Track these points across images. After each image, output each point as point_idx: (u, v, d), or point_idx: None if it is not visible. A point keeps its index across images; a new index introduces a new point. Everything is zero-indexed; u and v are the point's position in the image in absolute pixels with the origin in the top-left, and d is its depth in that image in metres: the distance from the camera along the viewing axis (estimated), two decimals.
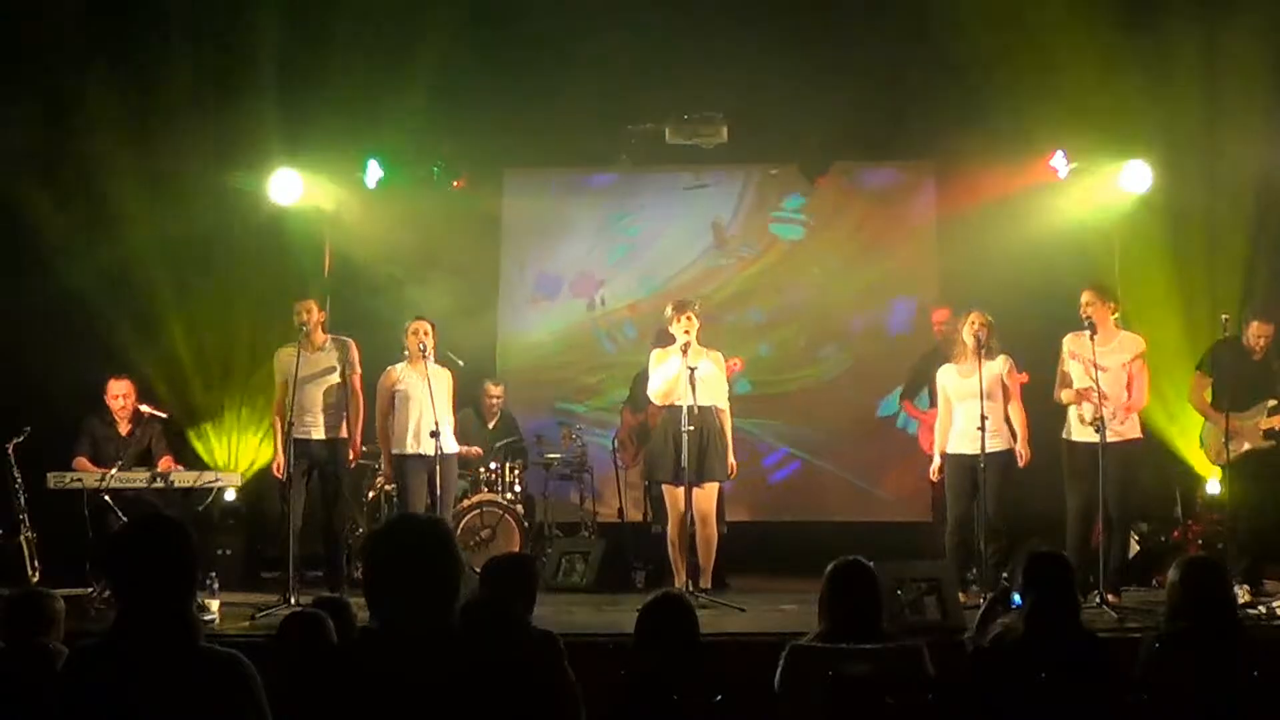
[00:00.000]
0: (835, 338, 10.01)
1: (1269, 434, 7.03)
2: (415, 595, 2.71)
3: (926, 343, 8.68)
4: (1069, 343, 7.01)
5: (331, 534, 7.46)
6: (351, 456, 7.51)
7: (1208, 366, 7.28)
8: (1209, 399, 7.24)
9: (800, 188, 10.09)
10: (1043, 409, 7.21)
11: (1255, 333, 7.08)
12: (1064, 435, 7.04)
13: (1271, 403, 7.04)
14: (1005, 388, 7.07)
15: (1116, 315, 7.02)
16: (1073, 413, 6.98)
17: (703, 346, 7.15)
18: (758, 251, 10.18)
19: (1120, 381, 6.87)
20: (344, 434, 7.42)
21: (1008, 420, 7.07)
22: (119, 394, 7.94)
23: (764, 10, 8.59)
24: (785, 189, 10.18)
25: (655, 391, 7.20)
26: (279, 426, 7.39)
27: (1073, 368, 6.97)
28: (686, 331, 7.00)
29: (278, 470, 7.34)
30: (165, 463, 7.85)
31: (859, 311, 10.02)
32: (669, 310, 7.20)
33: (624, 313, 10.11)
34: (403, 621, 2.70)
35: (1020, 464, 7.02)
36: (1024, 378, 7.36)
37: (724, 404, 7.21)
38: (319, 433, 7.34)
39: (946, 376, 7.21)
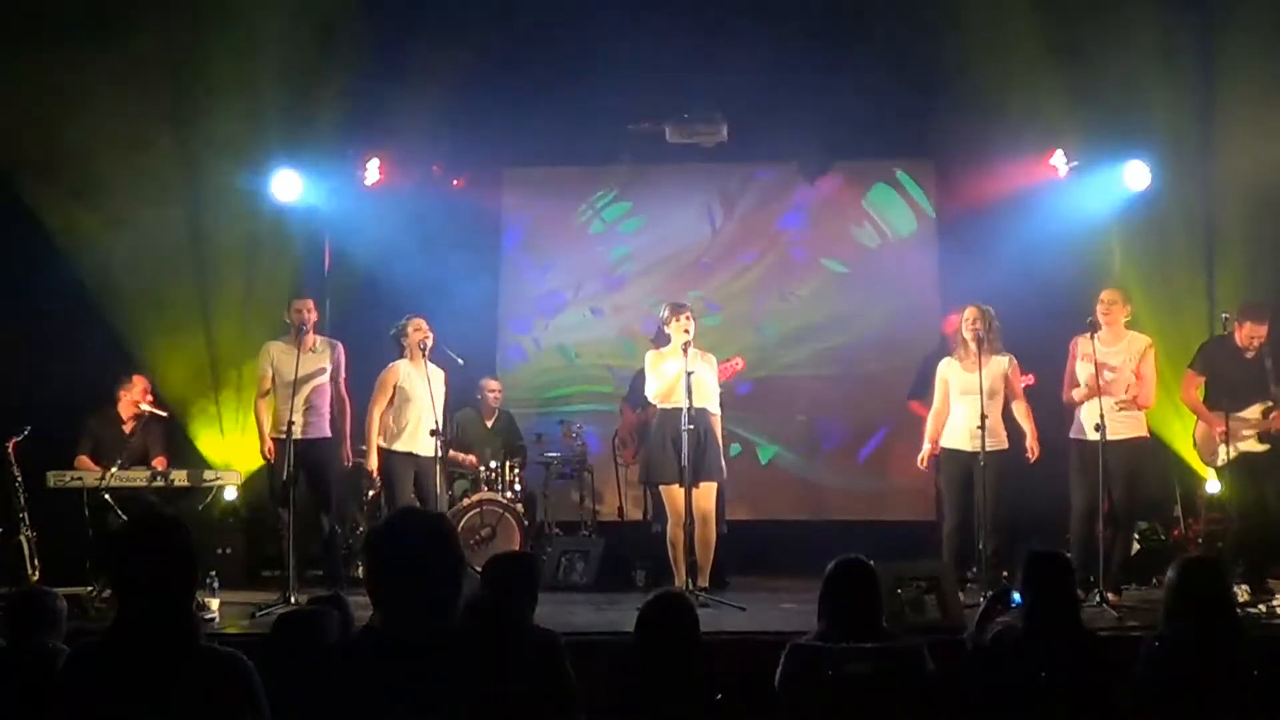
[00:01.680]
0: (834, 338, 10.00)
1: (1263, 436, 7.01)
2: (417, 592, 2.71)
3: (931, 343, 8.68)
4: (1081, 344, 7.02)
5: (328, 533, 7.48)
6: (346, 454, 7.52)
7: (1199, 365, 7.26)
8: (1201, 397, 7.22)
9: (800, 187, 10.10)
10: (1044, 409, 7.21)
11: (1248, 333, 7.03)
12: (1071, 434, 7.05)
13: (1265, 405, 7.01)
14: (1009, 385, 7.09)
15: (1127, 317, 7.05)
16: (1082, 412, 6.99)
17: (696, 348, 7.15)
18: (759, 251, 10.18)
19: (1129, 381, 6.90)
20: (331, 434, 7.44)
21: (1006, 420, 7.09)
22: (128, 394, 7.95)
23: (764, 10, 8.58)
24: (785, 188, 10.18)
25: (655, 393, 7.19)
26: (264, 419, 7.38)
27: (1081, 369, 6.98)
28: (686, 331, 7.01)
29: (269, 454, 7.34)
30: (159, 462, 7.86)
31: (858, 312, 10.01)
32: (665, 311, 7.20)
33: (624, 310, 10.11)
34: (405, 619, 2.70)
35: (1032, 459, 7.03)
36: (1029, 379, 7.35)
37: (715, 408, 7.22)
38: (309, 432, 7.35)
39: (949, 370, 7.21)
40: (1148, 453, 7.18)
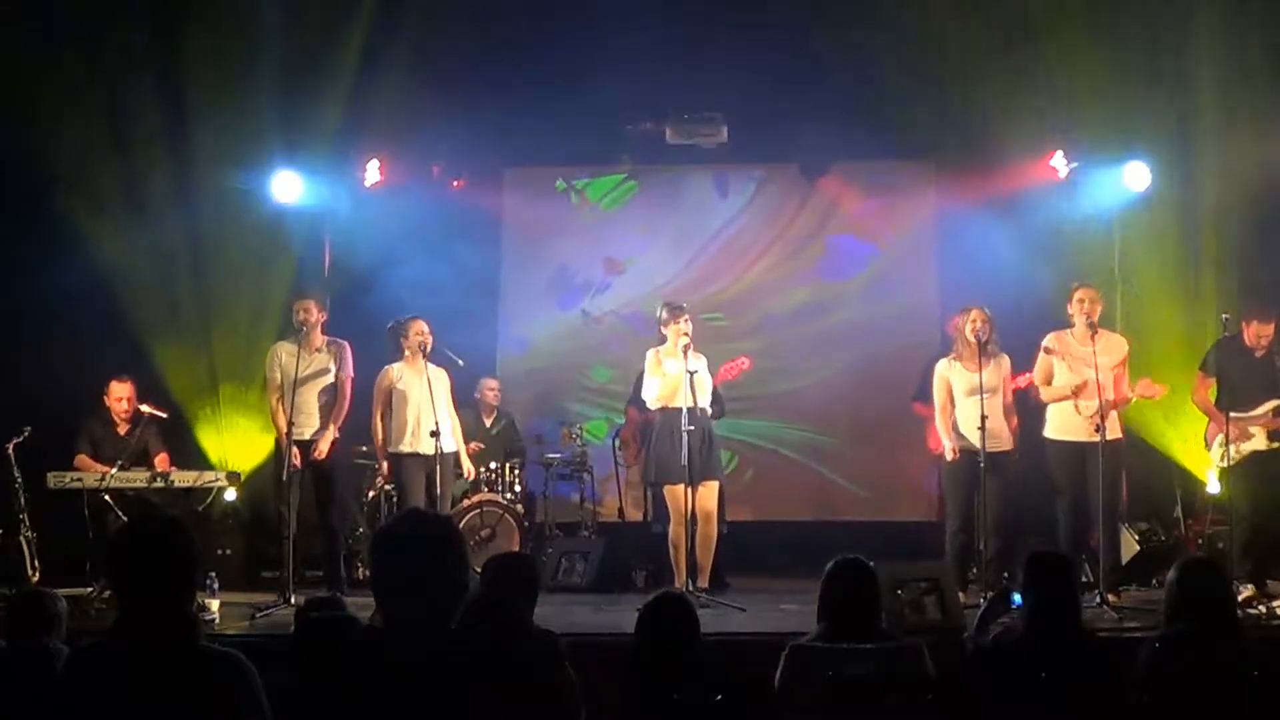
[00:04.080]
0: (834, 338, 10.00)
1: (1274, 435, 7.00)
2: (422, 593, 2.71)
3: (932, 344, 8.68)
4: (1050, 341, 7.04)
5: (329, 534, 7.48)
6: (321, 450, 7.37)
7: (1210, 366, 7.26)
8: (1213, 398, 7.21)
9: (800, 188, 10.10)
10: (1042, 409, 7.22)
11: (1255, 333, 7.03)
12: (1045, 434, 7.06)
13: (1275, 403, 7.00)
14: (1004, 384, 7.12)
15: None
16: (1051, 412, 7.01)
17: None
18: (758, 252, 10.17)
19: (1109, 381, 6.91)
20: (336, 435, 7.44)
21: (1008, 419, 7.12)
22: (121, 395, 7.94)
23: (765, 10, 8.59)
24: (785, 190, 10.18)
25: (656, 395, 7.19)
26: (281, 424, 7.35)
27: (1057, 366, 7.00)
28: (686, 334, 7.02)
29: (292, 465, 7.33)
30: (162, 461, 7.84)
31: (858, 312, 10.00)
32: (663, 312, 7.21)
33: (625, 312, 10.11)
34: (408, 620, 2.70)
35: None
36: (1027, 379, 7.36)
37: (710, 406, 7.23)
38: (312, 433, 7.34)
39: (951, 371, 7.24)
40: (1126, 453, 7.19)
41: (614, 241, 10.25)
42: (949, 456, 7.22)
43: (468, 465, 7.84)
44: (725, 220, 10.21)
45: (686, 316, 7.09)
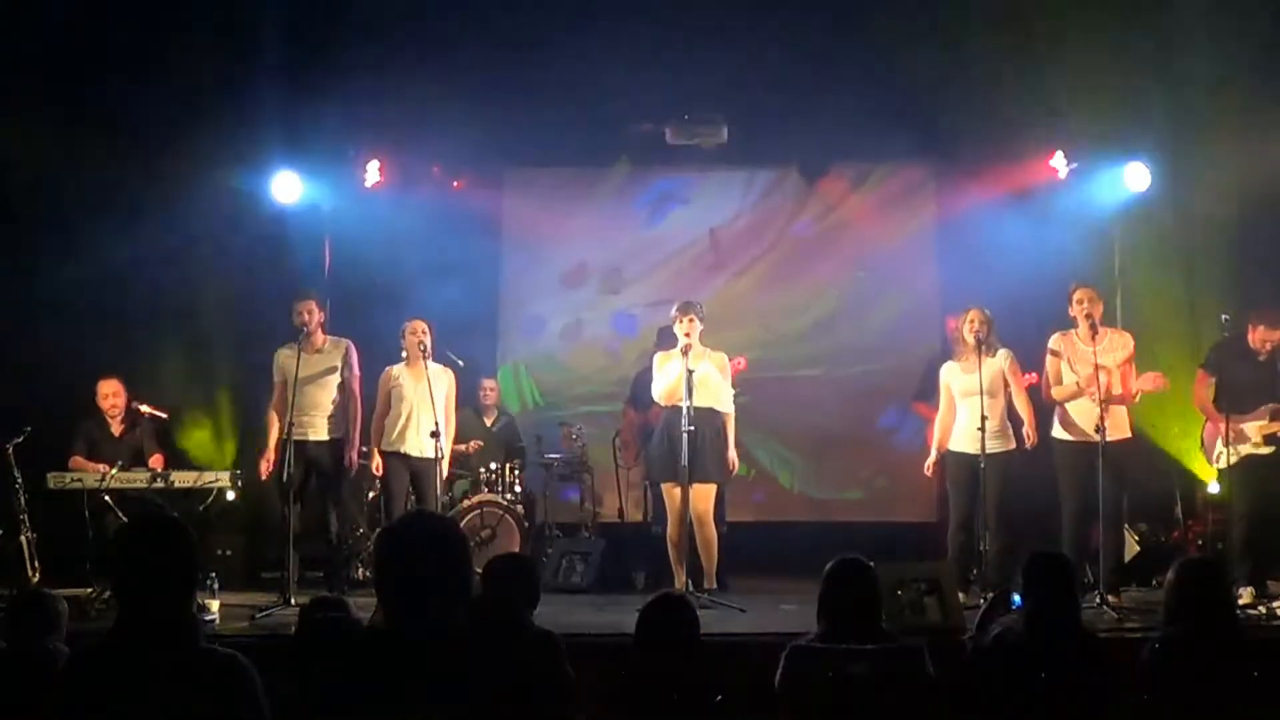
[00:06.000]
0: (834, 339, 10.00)
1: (1269, 439, 7.00)
2: (426, 594, 2.71)
3: (933, 344, 8.69)
4: (1055, 342, 7.04)
5: (331, 535, 7.47)
6: (352, 460, 7.49)
7: (1212, 365, 7.26)
8: (1212, 398, 7.21)
9: (800, 189, 10.10)
10: (1044, 410, 7.22)
11: (1262, 337, 7.02)
12: (1054, 435, 7.06)
13: (1273, 406, 6.99)
14: (1008, 383, 7.11)
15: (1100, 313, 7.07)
16: (1059, 412, 7.01)
17: (705, 348, 7.16)
18: (758, 252, 10.17)
19: (1116, 379, 6.91)
20: (341, 435, 7.42)
21: (1010, 419, 7.11)
22: (108, 393, 7.95)
23: (764, 11, 8.59)
24: (785, 190, 10.18)
25: (659, 393, 7.22)
26: (273, 427, 7.37)
27: (1064, 367, 7.00)
28: (687, 334, 7.02)
29: (266, 469, 7.35)
30: (156, 461, 7.83)
31: (858, 313, 10.00)
32: (674, 310, 7.21)
33: (624, 312, 10.11)
34: (411, 621, 2.70)
35: (1028, 444, 7.05)
36: (1032, 378, 7.36)
37: (725, 406, 7.20)
38: (317, 434, 7.35)
39: (950, 373, 7.27)
40: (1133, 453, 7.19)
41: (613, 242, 10.25)
42: (926, 469, 7.34)
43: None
44: (725, 221, 10.21)
45: (691, 317, 7.06)
